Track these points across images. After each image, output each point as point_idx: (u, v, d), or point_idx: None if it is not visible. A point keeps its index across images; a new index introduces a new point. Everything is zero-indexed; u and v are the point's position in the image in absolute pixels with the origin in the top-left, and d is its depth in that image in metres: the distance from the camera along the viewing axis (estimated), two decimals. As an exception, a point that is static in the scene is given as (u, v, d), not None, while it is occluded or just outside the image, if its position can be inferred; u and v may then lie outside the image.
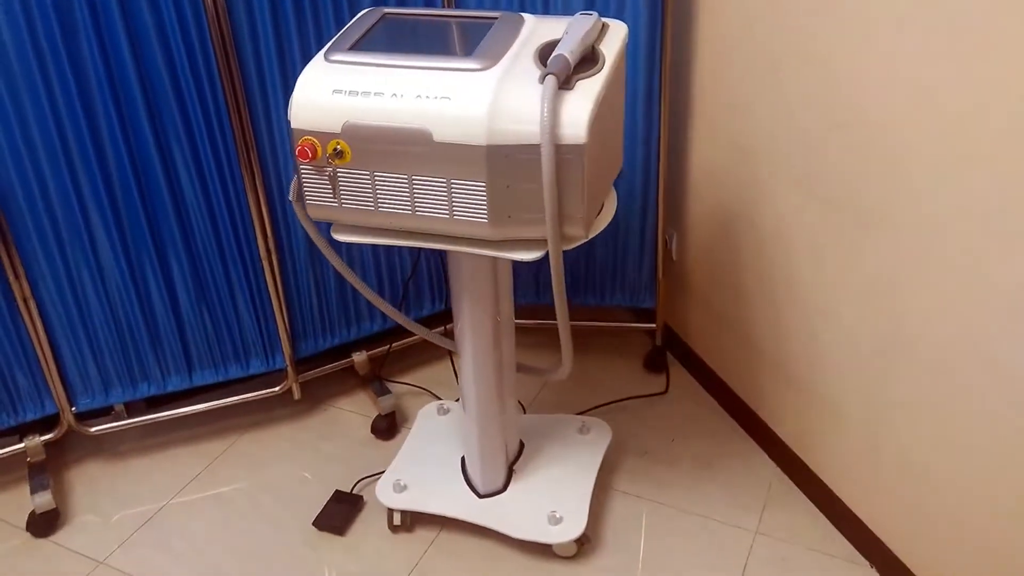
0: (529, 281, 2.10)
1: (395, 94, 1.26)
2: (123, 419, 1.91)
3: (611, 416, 2.01)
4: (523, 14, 1.41)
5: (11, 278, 1.66)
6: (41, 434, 1.83)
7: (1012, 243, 1.24)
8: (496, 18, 1.39)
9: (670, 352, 2.20)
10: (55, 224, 1.65)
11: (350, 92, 1.28)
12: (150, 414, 1.92)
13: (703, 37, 1.80)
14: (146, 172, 1.68)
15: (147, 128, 1.64)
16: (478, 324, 1.55)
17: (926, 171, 1.35)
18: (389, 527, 1.74)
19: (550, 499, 1.71)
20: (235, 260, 1.81)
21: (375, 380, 2.03)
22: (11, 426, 1.79)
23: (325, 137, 1.29)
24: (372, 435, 1.97)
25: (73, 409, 1.82)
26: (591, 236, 1.37)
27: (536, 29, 1.38)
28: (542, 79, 1.24)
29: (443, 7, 1.79)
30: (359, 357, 2.03)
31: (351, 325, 1.99)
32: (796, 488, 1.83)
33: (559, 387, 2.11)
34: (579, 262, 2.06)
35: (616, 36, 1.38)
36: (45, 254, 1.67)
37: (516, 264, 2.08)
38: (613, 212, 1.47)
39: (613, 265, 2.04)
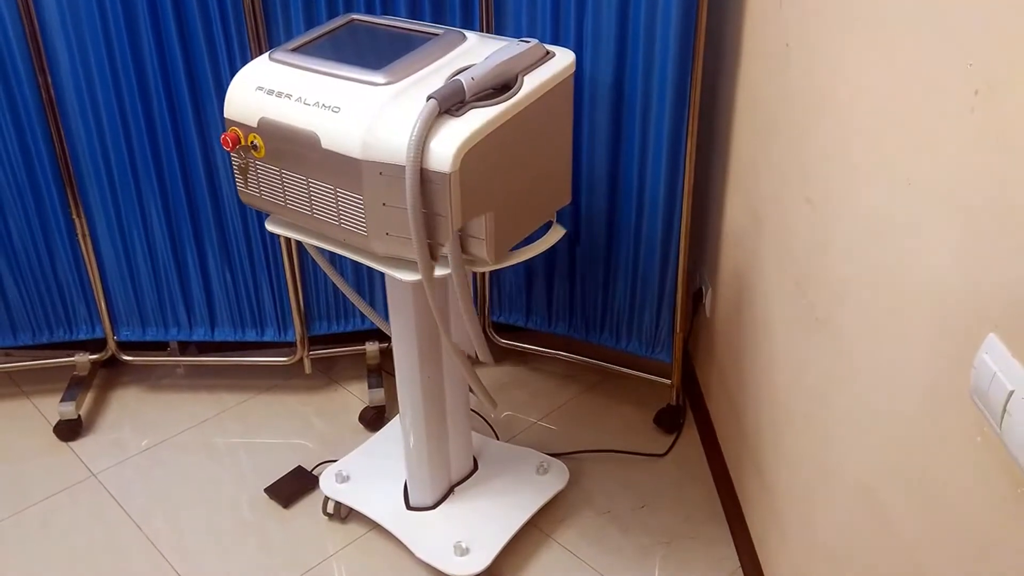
0: (542, 309, 2.04)
1: (300, 98, 1.30)
2: (172, 356, 2.14)
3: (596, 466, 1.90)
4: (466, 32, 1.38)
5: (74, 215, 1.92)
6: (91, 354, 2.10)
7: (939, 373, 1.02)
8: (437, 34, 1.37)
9: (692, 411, 2.03)
10: (112, 180, 1.88)
11: (268, 91, 1.33)
12: (198, 356, 2.14)
13: (741, 85, 1.64)
14: (187, 147, 1.85)
15: (190, 110, 1.81)
16: (403, 333, 1.54)
17: (863, 278, 1.14)
18: (323, 512, 1.79)
19: (468, 529, 1.67)
20: (257, 234, 1.94)
21: (377, 372, 2.08)
22: (68, 341, 2.08)
23: (246, 130, 1.36)
24: (360, 424, 2.03)
25: (116, 337, 2.06)
26: (485, 269, 1.32)
27: (472, 50, 1.35)
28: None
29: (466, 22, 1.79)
30: (371, 346, 2.10)
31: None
32: (748, 594, 1.63)
33: (561, 420, 2.03)
34: (596, 300, 1.96)
35: (553, 67, 1.32)
36: (102, 203, 1.90)
37: (529, 287, 2.03)
38: (545, 248, 1.40)
39: (629, 312, 1.93)
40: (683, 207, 1.76)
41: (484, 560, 1.60)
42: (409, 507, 1.72)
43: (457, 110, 1.22)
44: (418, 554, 1.63)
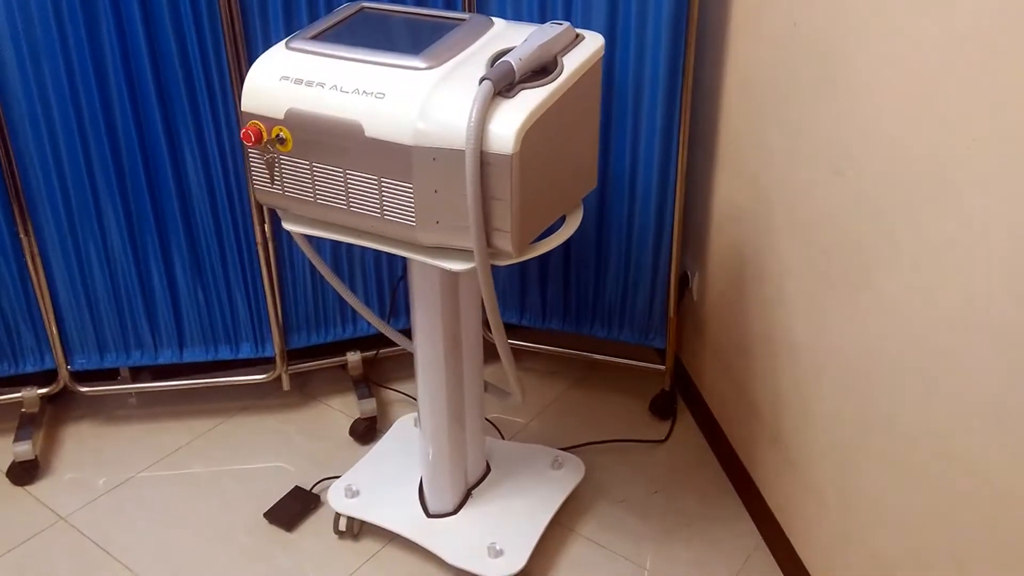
0: (536, 305, 2.02)
1: (336, 86, 1.24)
2: (126, 384, 1.98)
3: (600, 457, 1.89)
4: (494, 18, 1.35)
5: (21, 233, 1.75)
6: (40, 388, 1.91)
7: (991, 335, 1.06)
8: (464, 20, 1.34)
9: (682, 396, 2.06)
10: (65, 191, 1.72)
11: (295, 80, 1.26)
12: (152, 383, 1.98)
13: (730, 69, 1.68)
14: (153, 151, 1.72)
15: (157, 111, 1.68)
16: (429, 336, 1.49)
17: (910, 235, 1.19)
18: (334, 531, 1.70)
19: (497, 530, 1.62)
20: (232, 245, 1.83)
21: (363, 382, 2.00)
22: (13, 375, 1.88)
23: (270, 123, 1.28)
24: (351, 437, 1.94)
25: (69, 367, 1.89)
26: (530, 255, 1.30)
27: (502, 34, 1.32)
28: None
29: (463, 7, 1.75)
30: (352, 357, 2.01)
31: (346, 323, 1.98)
32: (776, 565, 1.65)
33: (553, 417, 2.01)
34: (588, 291, 1.96)
35: (586, 49, 1.30)
36: (54, 217, 1.74)
37: (523, 284, 2.01)
38: (572, 231, 1.38)
39: (622, 299, 1.93)
40: (676, 194, 1.79)
41: (521, 559, 1.56)
42: (429, 515, 1.66)
43: (508, 92, 1.20)
44: (450, 561, 1.57)
